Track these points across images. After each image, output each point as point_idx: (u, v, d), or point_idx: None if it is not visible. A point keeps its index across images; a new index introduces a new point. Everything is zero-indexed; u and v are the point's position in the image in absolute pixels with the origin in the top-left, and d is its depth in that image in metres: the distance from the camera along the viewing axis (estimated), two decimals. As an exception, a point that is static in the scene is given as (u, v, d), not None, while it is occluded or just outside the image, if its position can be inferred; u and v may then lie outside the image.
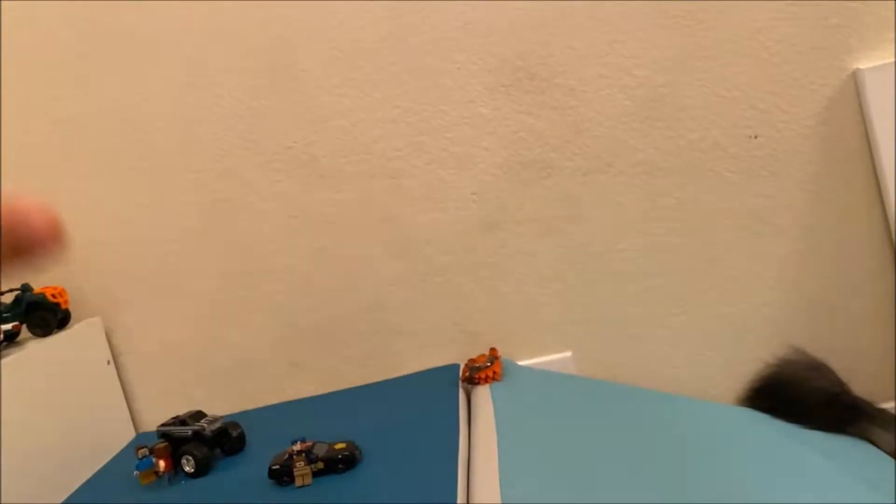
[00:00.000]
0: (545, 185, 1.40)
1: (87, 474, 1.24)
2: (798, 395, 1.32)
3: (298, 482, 0.99)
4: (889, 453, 1.19)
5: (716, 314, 1.42)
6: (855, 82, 1.32)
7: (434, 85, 1.38)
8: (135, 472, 1.12)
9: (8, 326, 1.27)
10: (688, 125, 1.37)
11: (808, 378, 1.34)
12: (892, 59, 1.29)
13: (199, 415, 1.15)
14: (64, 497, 1.16)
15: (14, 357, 1.21)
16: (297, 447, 1.00)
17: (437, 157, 1.40)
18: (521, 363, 1.41)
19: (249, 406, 1.43)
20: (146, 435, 1.38)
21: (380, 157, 1.41)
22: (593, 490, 0.90)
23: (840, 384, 1.30)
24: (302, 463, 0.99)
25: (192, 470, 1.10)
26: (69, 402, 1.30)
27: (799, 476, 1.04)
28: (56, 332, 1.35)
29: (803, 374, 1.35)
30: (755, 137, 1.36)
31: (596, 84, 1.37)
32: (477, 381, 1.27)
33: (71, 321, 1.40)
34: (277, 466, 1.01)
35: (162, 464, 1.11)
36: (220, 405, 1.44)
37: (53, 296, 1.35)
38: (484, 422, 1.12)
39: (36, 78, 1.41)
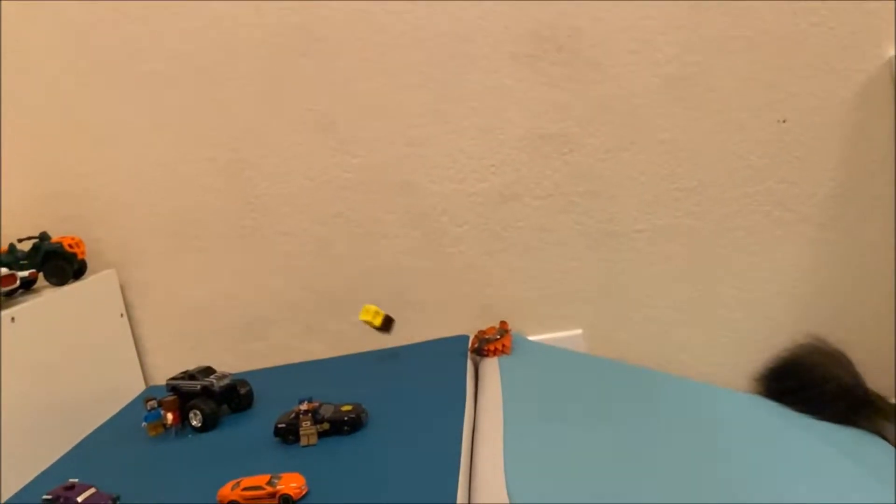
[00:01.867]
0: (566, 160, 1.38)
1: (97, 423, 1.25)
2: (812, 382, 1.30)
3: (304, 441, 0.99)
4: (899, 448, 1.17)
5: (732, 299, 1.40)
6: (891, 69, 1.28)
7: (459, 53, 1.36)
8: (143, 424, 1.14)
9: (25, 274, 1.28)
10: (715, 106, 1.34)
11: (824, 366, 1.32)
12: (932, 48, 1.26)
13: (208, 370, 1.16)
14: (73, 444, 1.17)
15: (29, 304, 1.22)
16: (304, 407, 1.01)
17: (457, 126, 1.39)
18: (531, 338, 1.40)
19: (259, 365, 1.44)
20: (156, 388, 1.39)
21: (399, 123, 1.39)
22: (594, 468, 0.90)
23: (856, 375, 1.28)
24: (308, 423, 0.99)
25: (199, 424, 1.11)
26: (82, 351, 1.32)
27: (806, 467, 1.03)
28: (71, 282, 1.36)
29: (820, 361, 1.33)
30: (783, 122, 1.33)
31: (624, 59, 1.34)
32: (486, 352, 1.27)
33: (87, 272, 1.41)
34: (283, 425, 1.01)
35: (170, 416, 1.12)
36: (230, 363, 1.45)
37: (70, 246, 1.35)
38: (490, 393, 1.11)
39: (60, 34, 1.41)
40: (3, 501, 1.00)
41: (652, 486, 0.87)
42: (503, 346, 1.27)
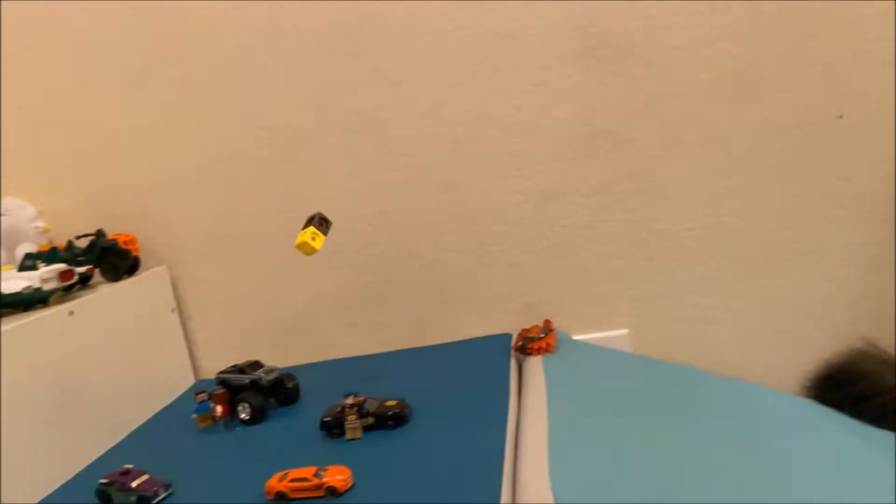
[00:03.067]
0: (612, 158, 1.37)
1: (148, 414, 1.29)
2: (865, 390, 1.26)
3: (349, 435, 1.00)
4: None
5: (783, 299, 1.37)
6: (954, 63, 1.24)
7: (505, 51, 1.36)
8: (193, 416, 1.16)
9: (82, 269, 1.32)
10: (767, 101, 1.31)
11: (877, 374, 1.28)
12: None
13: (256, 364, 1.18)
14: (127, 432, 1.21)
15: (86, 299, 1.26)
16: (350, 401, 1.02)
17: (502, 124, 1.38)
18: (575, 338, 1.39)
19: (304, 361, 1.46)
20: (205, 381, 1.42)
21: (444, 121, 1.40)
22: (639, 468, 0.88)
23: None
24: (353, 416, 1.00)
25: (248, 417, 1.13)
26: (134, 344, 1.35)
27: (861, 475, 0.99)
28: (125, 278, 1.40)
29: (873, 368, 1.29)
30: (840, 117, 1.29)
31: (672, 56, 1.32)
32: (529, 351, 1.27)
33: (140, 268, 1.46)
34: (329, 419, 1.02)
35: (219, 409, 1.14)
36: (276, 358, 1.47)
37: (125, 243, 1.40)
38: (534, 391, 1.11)
39: (104, 32, 1.45)
40: (63, 484, 1.04)
41: (697, 488, 0.86)
42: (547, 344, 1.27)
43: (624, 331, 1.41)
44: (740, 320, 1.38)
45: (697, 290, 1.39)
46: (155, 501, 0.91)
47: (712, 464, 0.93)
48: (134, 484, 0.91)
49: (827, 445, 1.08)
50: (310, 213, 1.12)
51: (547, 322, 1.35)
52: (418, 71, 1.39)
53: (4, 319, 1.15)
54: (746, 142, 1.33)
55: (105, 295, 1.31)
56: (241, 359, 1.26)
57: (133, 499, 0.91)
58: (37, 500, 1.00)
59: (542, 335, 1.28)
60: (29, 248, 1.37)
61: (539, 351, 1.26)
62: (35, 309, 1.20)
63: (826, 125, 1.30)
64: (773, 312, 1.38)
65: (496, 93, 1.37)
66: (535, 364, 1.22)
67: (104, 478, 0.93)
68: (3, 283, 1.18)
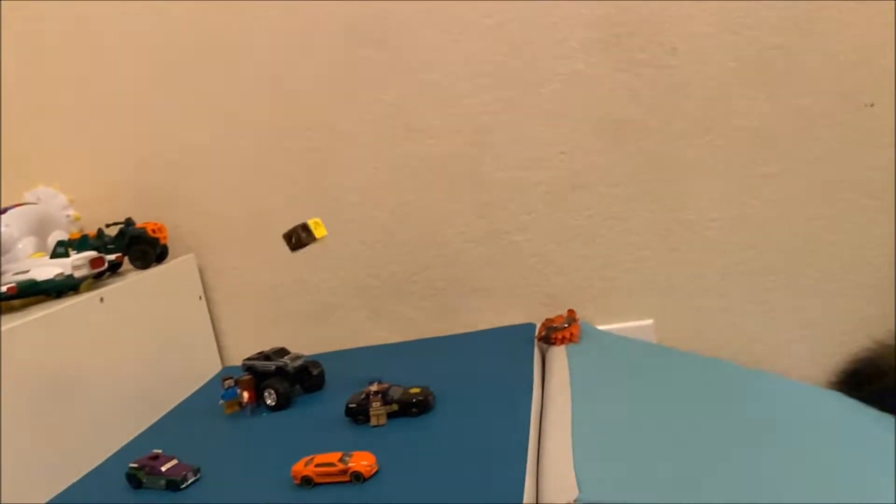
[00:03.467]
0: (639, 147, 1.36)
1: (176, 400, 1.31)
2: (893, 385, 1.24)
3: (373, 422, 1.01)
4: None
5: (812, 291, 1.35)
6: None
7: (529, 39, 1.35)
8: (220, 402, 1.18)
9: (112, 257, 1.34)
10: (796, 90, 1.29)
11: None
12: None
13: (282, 351, 1.19)
14: (156, 418, 1.23)
15: (116, 286, 1.28)
16: (374, 388, 1.02)
17: (526, 113, 1.38)
18: (600, 328, 1.39)
19: (329, 349, 1.47)
20: (231, 368, 1.44)
21: (468, 111, 1.40)
22: (663, 458, 0.88)
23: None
24: (378, 403, 1.01)
25: (274, 403, 1.15)
26: (163, 331, 1.38)
27: (888, 469, 0.98)
28: (154, 266, 1.43)
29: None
30: (871, 105, 1.27)
31: (700, 43, 1.31)
32: (553, 341, 1.27)
33: (168, 256, 1.48)
34: (354, 405, 1.03)
35: (246, 395, 1.16)
36: (300, 346, 1.49)
37: (153, 231, 1.42)
38: (558, 380, 1.11)
39: (135, 21, 1.47)
40: (94, 468, 1.06)
41: (721, 479, 0.85)
42: (571, 334, 1.26)
43: (649, 321, 1.41)
44: (767, 312, 1.37)
45: (723, 281, 1.38)
46: (184, 486, 0.92)
47: (736, 455, 0.92)
48: (163, 468, 0.93)
49: (854, 439, 1.06)
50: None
51: (571, 312, 1.35)
52: (442, 61, 1.39)
53: (38, 306, 1.17)
54: (775, 131, 1.31)
55: (134, 282, 1.33)
56: (266, 346, 1.27)
57: (162, 483, 0.93)
58: (72, 481, 1.02)
59: (566, 325, 1.27)
60: (60, 235, 1.40)
61: (563, 340, 1.26)
62: (66, 296, 1.23)
63: (856, 114, 1.28)
64: (800, 304, 1.36)
65: (520, 82, 1.37)
66: (558, 353, 1.22)
67: (134, 462, 0.95)
68: (35, 270, 1.21)
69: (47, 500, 0.98)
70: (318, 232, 1.08)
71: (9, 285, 1.14)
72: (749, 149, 1.33)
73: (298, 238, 1.08)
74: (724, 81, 1.31)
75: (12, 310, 1.19)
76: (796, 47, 1.28)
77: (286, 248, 1.49)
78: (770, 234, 1.35)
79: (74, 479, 1.03)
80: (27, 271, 1.21)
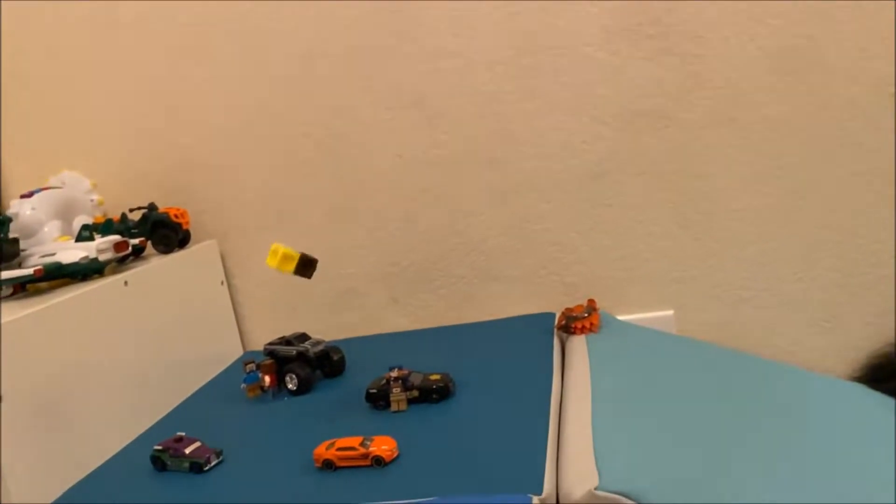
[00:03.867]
0: (661, 137, 1.35)
1: (199, 384, 1.33)
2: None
3: (394, 407, 1.02)
4: None
5: (834, 283, 1.34)
6: None
7: (550, 27, 1.34)
8: (242, 385, 1.20)
9: (135, 241, 1.36)
10: (822, 80, 1.28)
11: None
12: None
13: (303, 336, 1.20)
14: (179, 401, 1.25)
15: (139, 270, 1.30)
16: (395, 374, 1.03)
17: (547, 101, 1.37)
18: (620, 318, 1.38)
19: (349, 335, 1.49)
20: (253, 353, 1.46)
21: (489, 99, 1.39)
22: (683, 448, 0.88)
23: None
24: (398, 389, 1.02)
25: (295, 387, 1.16)
26: (186, 315, 1.39)
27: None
28: (177, 251, 1.44)
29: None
30: (899, 95, 1.25)
31: (724, 32, 1.29)
32: (573, 330, 1.27)
33: (190, 242, 1.49)
34: (375, 391, 1.04)
35: (267, 379, 1.17)
36: (321, 332, 1.51)
37: (176, 216, 1.43)
38: (578, 369, 1.11)
39: (158, 9, 1.47)
40: (119, 451, 1.08)
41: (742, 471, 0.85)
42: (591, 324, 1.26)
43: (669, 311, 1.40)
44: (788, 304, 1.36)
45: (745, 272, 1.37)
46: (207, 468, 0.94)
47: (757, 447, 0.92)
48: (187, 450, 0.95)
49: (881, 433, 1.06)
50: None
51: (591, 301, 1.34)
52: (460, 49, 1.38)
53: (65, 288, 1.19)
54: (799, 120, 1.30)
55: (157, 266, 1.35)
56: (287, 331, 1.29)
57: (186, 465, 0.94)
58: (98, 463, 1.04)
59: (586, 314, 1.27)
60: (85, 219, 1.42)
61: (582, 330, 1.26)
62: (91, 279, 1.24)
63: (880, 103, 1.26)
64: (823, 297, 1.35)
65: (540, 70, 1.36)
66: (578, 343, 1.22)
67: (158, 444, 0.97)
68: (61, 254, 1.22)
69: (73, 482, 1.00)
70: (284, 266, 1.04)
71: (36, 268, 1.16)
72: (772, 138, 1.31)
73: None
74: (748, 71, 1.30)
75: (39, 292, 1.21)
76: (820, 36, 1.26)
77: (306, 235, 1.51)
78: (793, 224, 1.34)
79: (100, 462, 1.05)
80: (53, 254, 1.23)
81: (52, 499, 0.96)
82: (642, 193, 1.38)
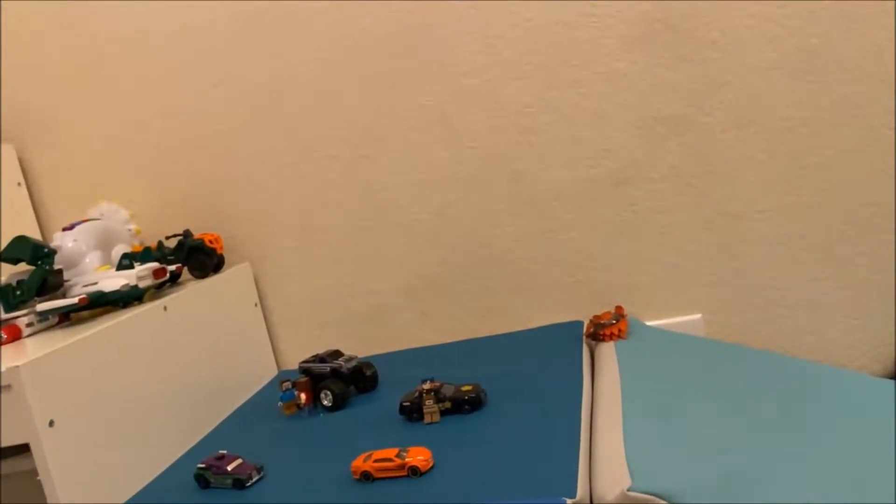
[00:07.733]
0: (681, 142, 1.36)
1: (237, 403, 1.36)
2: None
3: (427, 419, 1.04)
4: None
5: (863, 281, 1.33)
6: None
7: (568, 39, 1.37)
8: (278, 404, 1.23)
9: (172, 268, 1.40)
10: (842, 78, 1.28)
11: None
12: None
13: (336, 353, 1.23)
14: (218, 421, 1.28)
15: (177, 295, 1.34)
16: (427, 386, 1.05)
17: (568, 112, 1.39)
18: (648, 323, 1.39)
19: (380, 350, 1.51)
20: (287, 372, 1.49)
21: (509, 113, 1.42)
22: (715, 452, 0.88)
23: None
24: (431, 401, 1.04)
25: (330, 404, 1.19)
26: (222, 337, 1.43)
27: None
28: (212, 275, 1.48)
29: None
30: (921, 90, 1.25)
31: (740, 35, 1.30)
32: (601, 337, 1.27)
33: (224, 266, 1.53)
34: (408, 403, 1.06)
35: (303, 396, 1.20)
36: (352, 349, 1.53)
37: (210, 242, 1.47)
38: (608, 377, 1.12)
39: (187, 35, 1.53)
40: (164, 470, 1.12)
41: (775, 473, 0.85)
42: (619, 330, 1.27)
43: (697, 315, 1.40)
44: (818, 303, 1.35)
45: (772, 273, 1.37)
46: (249, 483, 0.96)
47: (790, 447, 0.92)
48: (229, 468, 0.97)
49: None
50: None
51: (618, 308, 1.35)
52: (482, 65, 1.41)
53: (107, 315, 1.24)
54: (821, 120, 1.30)
55: (194, 291, 1.39)
56: (320, 349, 1.31)
57: (229, 482, 0.97)
58: (144, 483, 1.08)
59: (614, 321, 1.28)
60: (124, 249, 1.46)
61: (611, 337, 1.27)
62: (131, 305, 1.29)
63: (906, 99, 1.26)
64: (852, 295, 1.34)
65: (560, 82, 1.38)
66: (607, 350, 1.23)
67: (201, 463, 1.00)
68: (103, 282, 1.27)
69: (123, 502, 1.03)
70: None
71: (80, 297, 1.21)
72: (794, 138, 1.32)
73: None
74: (766, 73, 1.30)
75: (82, 320, 1.26)
76: (837, 35, 1.26)
77: (336, 254, 1.54)
78: (819, 223, 1.33)
79: (146, 482, 1.08)
80: (95, 283, 1.28)
81: (103, 518, 1.00)
82: (666, 198, 1.38)
